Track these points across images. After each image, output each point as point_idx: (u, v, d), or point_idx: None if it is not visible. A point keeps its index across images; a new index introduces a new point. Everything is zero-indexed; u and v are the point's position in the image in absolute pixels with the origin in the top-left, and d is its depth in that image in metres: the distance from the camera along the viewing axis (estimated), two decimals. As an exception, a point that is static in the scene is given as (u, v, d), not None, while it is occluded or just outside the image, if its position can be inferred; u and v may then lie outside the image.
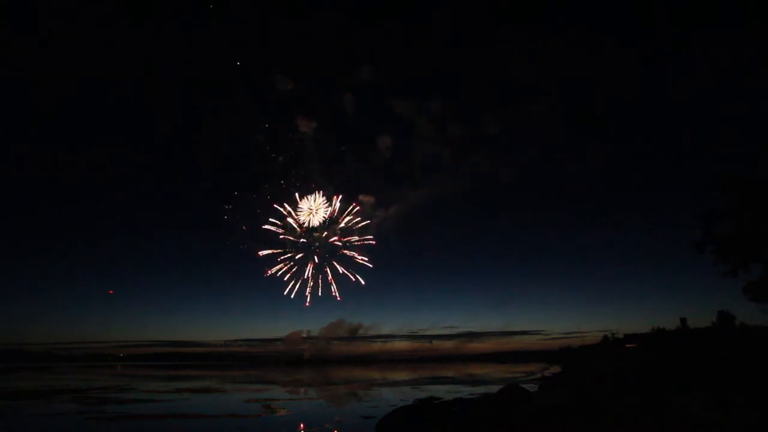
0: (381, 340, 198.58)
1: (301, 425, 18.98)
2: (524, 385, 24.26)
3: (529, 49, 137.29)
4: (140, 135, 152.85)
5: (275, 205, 43.29)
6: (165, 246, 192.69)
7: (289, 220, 38.63)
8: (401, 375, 68.82)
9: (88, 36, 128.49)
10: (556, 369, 62.91)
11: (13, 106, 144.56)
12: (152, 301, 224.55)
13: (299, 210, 41.02)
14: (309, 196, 41.96)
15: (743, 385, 15.44)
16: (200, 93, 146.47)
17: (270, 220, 40.56)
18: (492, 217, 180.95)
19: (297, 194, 40.32)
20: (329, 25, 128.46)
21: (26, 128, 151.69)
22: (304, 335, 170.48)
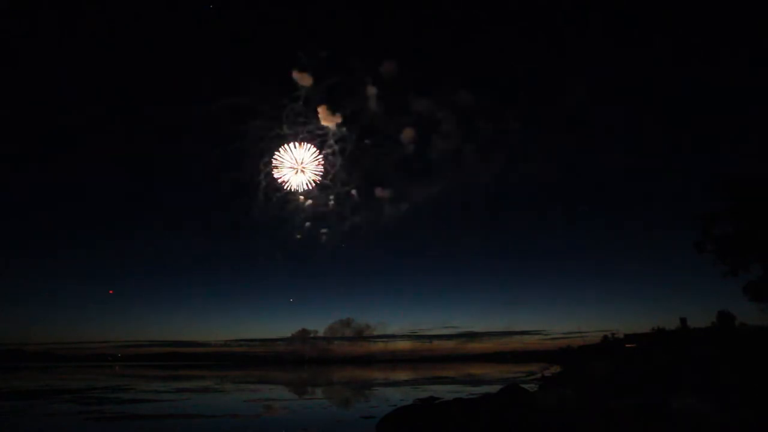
0: (384, 340, 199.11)
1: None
2: (524, 385, 24.26)
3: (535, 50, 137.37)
4: (140, 135, 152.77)
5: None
6: (165, 246, 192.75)
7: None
8: (402, 375, 68.83)
9: (91, 32, 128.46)
10: (556, 369, 62.88)
11: (11, 105, 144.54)
12: (152, 301, 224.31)
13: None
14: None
15: (743, 385, 15.43)
16: (203, 92, 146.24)
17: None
18: (493, 218, 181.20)
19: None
20: (351, 19, 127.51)
21: (25, 128, 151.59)
22: (311, 335, 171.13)
